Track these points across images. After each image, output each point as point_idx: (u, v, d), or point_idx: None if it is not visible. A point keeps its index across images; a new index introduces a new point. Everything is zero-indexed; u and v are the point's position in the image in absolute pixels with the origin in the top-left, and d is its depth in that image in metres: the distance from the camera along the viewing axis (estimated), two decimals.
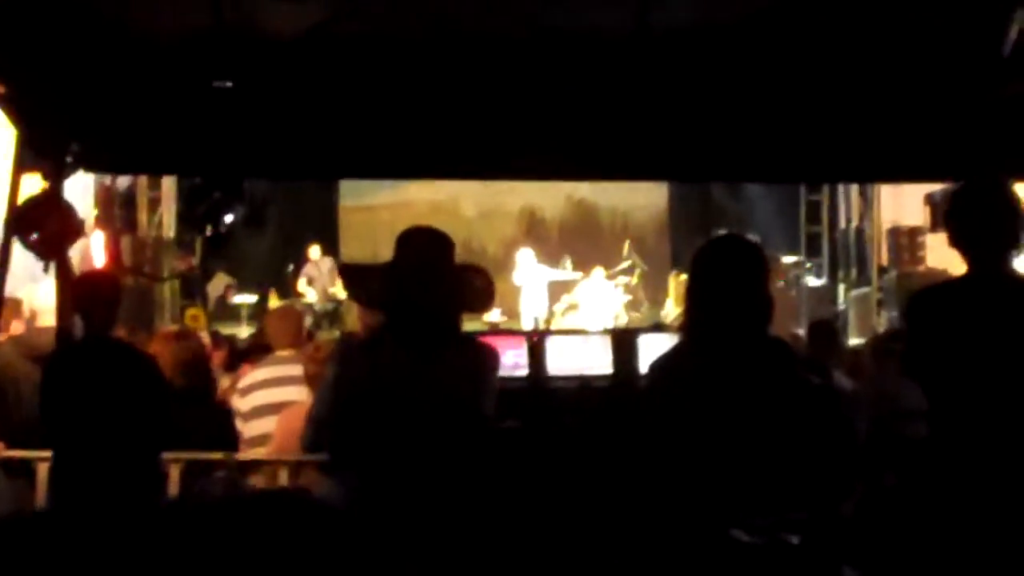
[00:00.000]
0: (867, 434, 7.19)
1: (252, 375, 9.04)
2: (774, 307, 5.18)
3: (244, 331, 19.19)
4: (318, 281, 23.14)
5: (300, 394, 8.32)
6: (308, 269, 23.34)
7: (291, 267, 23.34)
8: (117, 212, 20.70)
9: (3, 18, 5.77)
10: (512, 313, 21.74)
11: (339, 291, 21.43)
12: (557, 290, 22.89)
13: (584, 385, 7.77)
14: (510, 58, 6.41)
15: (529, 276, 22.44)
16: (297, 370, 8.45)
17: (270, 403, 8.59)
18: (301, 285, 23.10)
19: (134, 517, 3.45)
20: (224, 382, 10.00)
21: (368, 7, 5.87)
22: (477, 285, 5.72)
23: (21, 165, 6.88)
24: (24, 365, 8.12)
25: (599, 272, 22.51)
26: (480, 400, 5.48)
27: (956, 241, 5.33)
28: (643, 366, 7.48)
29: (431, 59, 6.43)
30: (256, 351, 10.65)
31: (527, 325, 21.59)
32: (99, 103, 6.87)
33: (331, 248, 24.21)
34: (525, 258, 22.69)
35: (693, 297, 5.23)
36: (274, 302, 21.61)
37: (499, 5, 5.83)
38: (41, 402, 3.69)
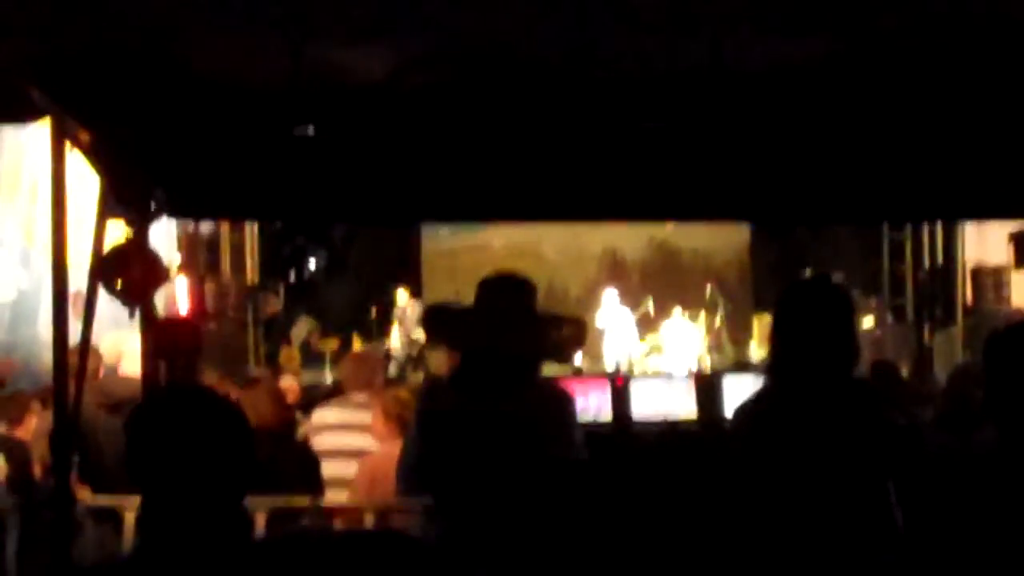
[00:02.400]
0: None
1: (321, 414, 9.07)
2: (860, 350, 5.15)
3: (328, 376, 19.26)
4: (403, 325, 23.22)
5: (369, 441, 8.36)
6: (396, 314, 23.42)
7: (373, 311, 23.42)
8: (200, 257, 20.89)
9: (85, 67, 5.82)
10: (596, 355, 21.67)
11: (421, 335, 21.47)
12: (639, 332, 22.83)
13: (669, 428, 7.72)
14: (589, 100, 6.40)
15: (613, 317, 22.38)
16: (369, 417, 8.48)
17: (341, 448, 8.62)
18: (394, 331, 23.23)
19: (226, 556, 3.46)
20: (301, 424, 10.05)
21: (446, 53, 5.88)
22: (561, 334, 5.69)
23: (105, 213, 6.92)
24: (99, 413, 8.17)
25: (679, 312, 22.41)
26: (558, 444, 5.45)
27: None
28: (728, 408, 7.44)
29: (510, 102, 6.43)
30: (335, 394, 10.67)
31: (610, 366, 21.52)
32: (181, 150, 6.91)
33: (415, 292, 24.27)
34: (610, 298, 22.65)
35: (779, 339, 5.20)
36: (357, 346, 21.71)
37: (577, 48, 5.82)
38: (127, 450, 3.69)
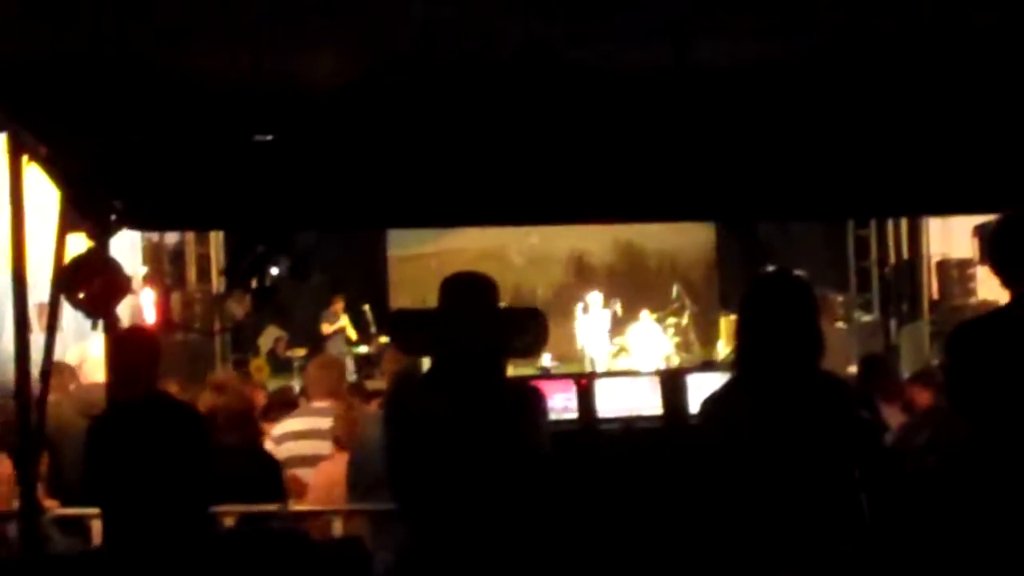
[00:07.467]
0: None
1: (286, 424, 9.04)
2: (825, 343, 5.18)
3: (296, 384, 19.23)
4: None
5: (330, 448, 8.35)
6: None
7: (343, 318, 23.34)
8: (166, 268, 20.85)
9: (40, 81, 5.79)
10: (566, 357, 21.68)
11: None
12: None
13: (634, 426, 7.72)
14: (550, 102, 6.39)
15: (593, 319, 22.37)
16: (330, 423, 8.46)
17: (301, 455, 8.60)
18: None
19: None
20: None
21: (407, 57, 5.86)
22: (526, 329, 5.69)
23: (66, 225, 6.90)
24: (80, 422, 8.13)
25: (646, 314, 22.43)
26: (528, 442, 5.44)
27: (997, 273, 5.29)
28: (693, 405, 7.44)
29: (471, 107, 6.42)
30: (277, 407, 10.50)
31: (588, 366, 21.54)
32: (140, 161, 6.88)
33: (381, 298, 24.23)
34: (594, 300, 22.61)
35: (743, 334, 5.28)
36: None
37: (536, 49, 5.81)
38: (86, 462, 3.68)
